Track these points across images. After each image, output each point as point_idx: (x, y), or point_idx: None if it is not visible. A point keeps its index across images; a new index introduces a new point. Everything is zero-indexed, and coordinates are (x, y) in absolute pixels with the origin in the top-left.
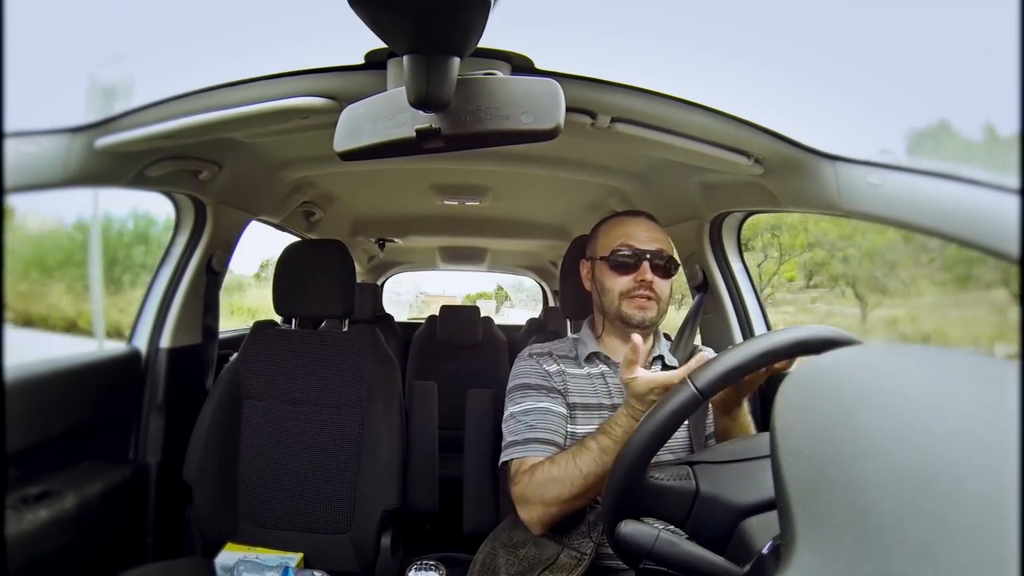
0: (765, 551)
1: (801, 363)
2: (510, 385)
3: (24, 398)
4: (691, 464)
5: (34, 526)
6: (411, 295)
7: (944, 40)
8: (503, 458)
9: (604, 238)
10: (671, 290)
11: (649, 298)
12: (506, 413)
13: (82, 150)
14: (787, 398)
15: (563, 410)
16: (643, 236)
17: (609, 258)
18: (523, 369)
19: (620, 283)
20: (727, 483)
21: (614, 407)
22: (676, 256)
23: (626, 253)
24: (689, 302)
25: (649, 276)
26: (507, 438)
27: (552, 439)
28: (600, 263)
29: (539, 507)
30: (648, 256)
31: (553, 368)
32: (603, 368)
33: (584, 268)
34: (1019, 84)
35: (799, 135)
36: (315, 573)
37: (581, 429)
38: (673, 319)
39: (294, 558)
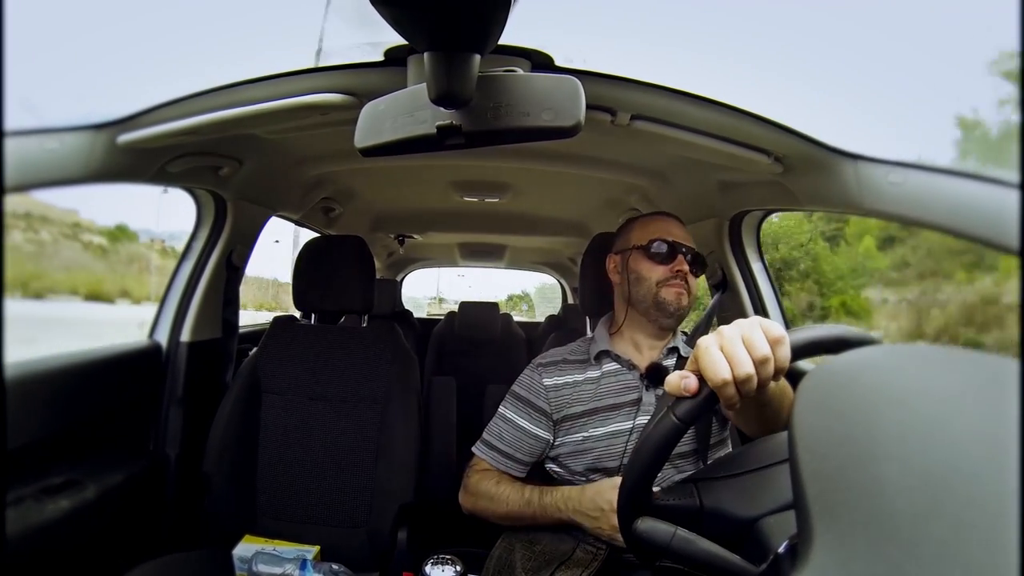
0: (781, 550)
1: (821, 362)
2: (511, 388)
3: (46, 389)
4: (695, 481)
5: (56, 515)
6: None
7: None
8: (474, 446)
9: (639, 231)
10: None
11: (685, 287)
12: (497, 410)
13: (104, 146)
14: (806, 396)
15: (538, 430)
16: (677, 233)
17: (646, 247)
18: (523, 379)
19: (657, 271)
20: (729, 497)
21: (621, 406)
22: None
23: (664, 243)
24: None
25: (685, 267)
26: (485, 431)
27: (512, 454)
28: (636, 252)
29: (470, 501)
30: (683, 250)
31: (555, 381)
32: (613, 366)
33: (611, 262)
34: (1019, 79)
35: (820, 133)
36: (333, 566)
37: (591, 432)
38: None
39: (311, 551)
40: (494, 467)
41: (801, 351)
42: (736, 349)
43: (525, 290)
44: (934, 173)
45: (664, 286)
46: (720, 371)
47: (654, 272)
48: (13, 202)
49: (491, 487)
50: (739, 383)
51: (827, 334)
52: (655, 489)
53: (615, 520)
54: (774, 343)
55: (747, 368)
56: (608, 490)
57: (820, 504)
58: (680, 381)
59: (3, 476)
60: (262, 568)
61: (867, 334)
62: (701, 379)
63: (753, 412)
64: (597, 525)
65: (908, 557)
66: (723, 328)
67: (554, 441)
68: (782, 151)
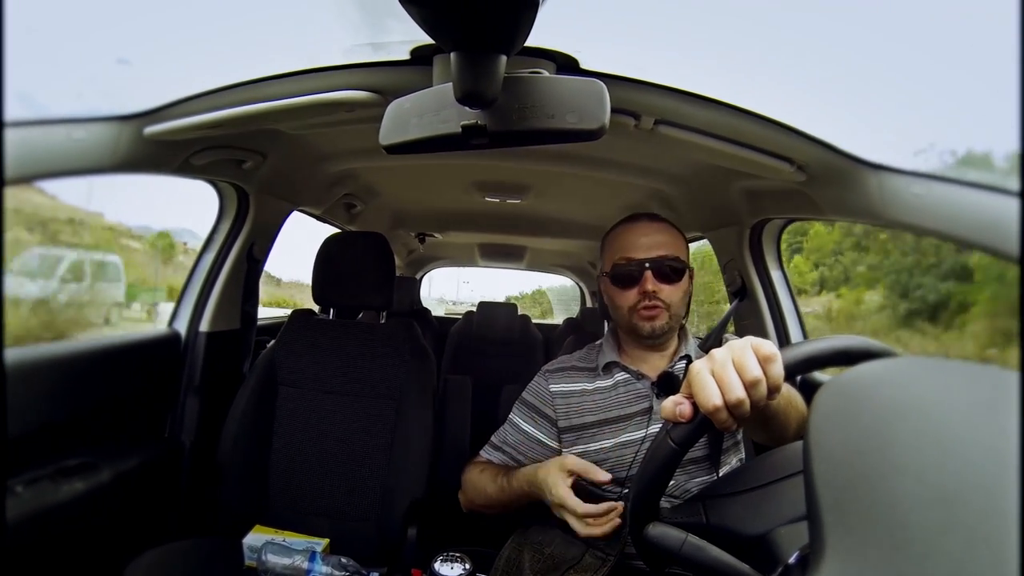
0: (792, 560)
1: (838, 374)
2: (521, 394)
3: (66, 373)
4: (702, 499)
5: (70, 496)
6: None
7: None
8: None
9: (607, 252)
10: (687, 291)
11: (656, 307)
12: (508, 415)
13: (131, 137)
14: (823, 408)
15: (541, 435)
16: (643, 243)
17: (611, 273)
18: (532, 385)
19: (625, 298)
20: (734, 513)
21: (632, 416)
22: (686, 255)
23: (625, 266)
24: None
25: (651, 286)
26: (493, 435)
27: (512, 453)
28: (605, 279)
29: (464, 496)
30: (648, 265)
31: (562, 388)
32: (622, 376)
33: (599, 283)
34: (1019, 84)
35: (843, 143)
36: (342, 559)
37: (603, 443)
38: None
39: (321, 543)
40: (486, 457)
41: (795, 368)
42: (727, 373)
43: (523, 292)
44: (957, 186)
45: (634, 313)
46: (711, 397)
47: (624, 299)
48: (53, 208)
49: (475, 475)
50: (731, 407)
51: (823, 348)
52: (664, 505)
53: (562, 512)
54: (765, 362)
55: (738, 393)
56: (553, 474)
57: (833, 515)
58: (675, 407)
59: (3, 462)
60: (271, 558)
61: (868, 343)
62: (695, 404)
63: (759, 425)
64: (551, 500)
65: (920, 570)
66: (715, 351)
67: (561, 450)
68: (804, 159)
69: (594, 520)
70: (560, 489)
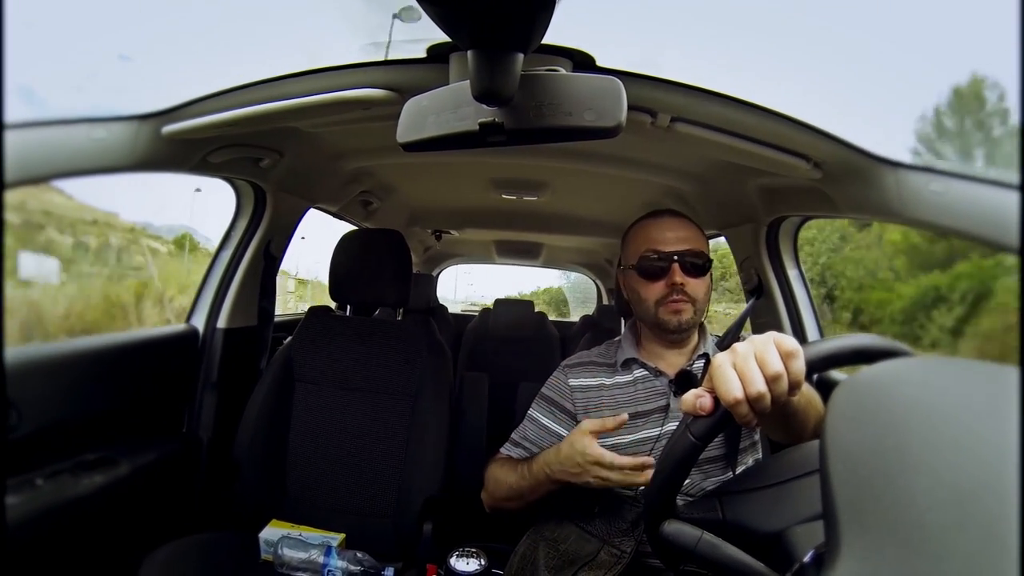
0: (807, 559)
1: (854, 372)
2: (540, 390)
3: (86, 368)
4: (719, 495)
5: (89, 490)
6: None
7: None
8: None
9: (632, 245)
10: (709, 287)
11: (684, 301)
12: (527, 412)
13: (149, 136)
14: (839, 406)
15: (561, 429)
16: (669, 237)
17: (638, 266)
18: (551, 380)
19: (652, 291)
20: (751, 510)
21: (650, 412)
22: (708, 251)
23: (653, 258)
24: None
25: (679, 279)
26: (513, 432)
27: (530, 448)
28: (630, 272)
29: (487, 494)
30: (676, 258)
31: (581, 382)
32: (640, 373)
33: (620, 278)
34: (1019, 80)
35: (861, 140)
36: (357, 554)
37: (619, 439)
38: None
39: (336, 538)
40: (507, 454)
41: (817, 365)
42: (748, 367)
43: (522, 292)
44: (977, 183)
45: (661, 306)
46: (732, 390)
47: (650, 292)
48: (76, 209)
49: (496, 470)
50: (752, 401)
51: (843, 346)
52: (679, 503)
53: (597, 471)
54: (787, 357)
55: (759, 386)
56: (578, 440)
57: (849, 513)
58: (695, 400)
59: (3, 462)
60: (287, 552)
61: (889, 343)
62: (716, 397)
63: (778, 422)
64: (584, 479)
65: (935, 569)
66: (737, 345)
67: None
68: (821, 156)
69: (631, 471)
70: (593, 448)
